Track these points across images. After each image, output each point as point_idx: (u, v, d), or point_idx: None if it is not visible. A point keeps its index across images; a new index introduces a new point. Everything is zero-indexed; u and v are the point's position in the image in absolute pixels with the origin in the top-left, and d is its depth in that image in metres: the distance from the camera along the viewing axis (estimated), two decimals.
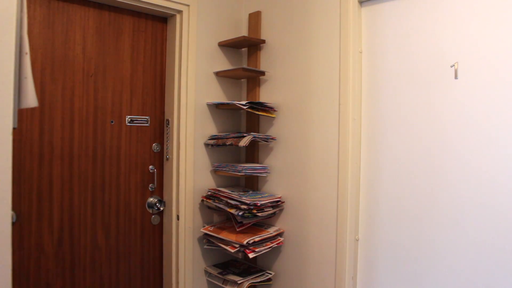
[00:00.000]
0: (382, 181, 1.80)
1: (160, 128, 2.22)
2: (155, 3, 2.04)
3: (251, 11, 2.35)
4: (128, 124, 2.10)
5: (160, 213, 2.23)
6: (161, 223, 2.24)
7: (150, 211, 2.19)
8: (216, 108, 2.30)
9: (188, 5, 2.15)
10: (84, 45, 1.95)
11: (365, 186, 1.86)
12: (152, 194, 2.20)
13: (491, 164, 1.47)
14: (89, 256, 1.99)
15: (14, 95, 1.49)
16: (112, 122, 2.04)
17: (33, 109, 1.80)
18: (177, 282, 2.16)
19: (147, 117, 2.16)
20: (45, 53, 1.84)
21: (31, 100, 1.57)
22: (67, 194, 1.92)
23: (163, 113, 2.23)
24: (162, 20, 2.22)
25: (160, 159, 2.22)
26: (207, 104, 2.25)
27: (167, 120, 2.22)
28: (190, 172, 2.17)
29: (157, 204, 2.19)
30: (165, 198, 2.23)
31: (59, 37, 1.87)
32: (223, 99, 2.32)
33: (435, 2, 1.63)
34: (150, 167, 2.19)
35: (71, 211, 1.93)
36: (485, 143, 1.49)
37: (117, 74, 2.06)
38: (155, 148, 2.19)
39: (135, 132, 2.12)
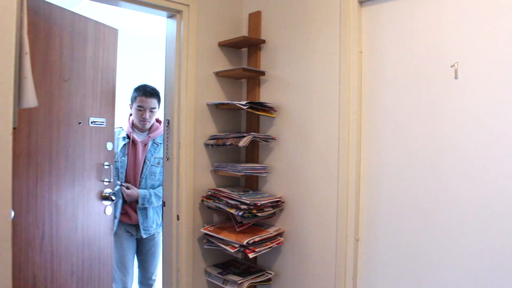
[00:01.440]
0: (382, 181, 1.80)
1: (112, 129, 2.40)
2: (155, 3, 2.04)
3: (251, 11, 2.35)
4: (91, 125, 2.26)
5: (112, 205, 2.41)
6: (113, 214, 2.43)
7: (105, 203, 2.35)
8: (216, 108, 2.30)
9: (188, 5, 2.15)
10: (61, 51, 2.06)
11: (365, 186, 1.86)
12: (106, 187, 2.36)
13: (492, 164, 1.47)
14: (63, 246, 2.11)
15: (14, 95, 1.49)
16: (80, 123, 2.19)
17: (23, 110, 1.83)
18: (177, 282, 2.16)
19: (104, 119, 2.34)
20: (32, 58, 1.89)
21: (31, 100, 1.57)
22: (48, 190, 2.02)
23: (113, 115, 2.41)
24: (113, 30, 2.38)
25: (112, 156, 2.42)
26: (207, 104, 2.25)
27: (167, 120, 2.22)
28: (190, 172, 2.17)
29: (111, 196, 2.36)
30: (165, 198, 2.24)
31: (42, 43, 1.94)
32: (223, 99, 2.32)
33: (435, 2, 1.62)
34: (106, 163, 2.35)
35: (50, 206, 2.03)
36: (485, 143, 1.49)
37: (83, 79, 2.20)
38: (108, 146, 2.37)
39: (95, 132, 2.29)
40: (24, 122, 1.87)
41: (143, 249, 2.73)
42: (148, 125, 2.63)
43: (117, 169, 2.59)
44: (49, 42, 1.98)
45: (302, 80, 2.08)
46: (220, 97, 2.32)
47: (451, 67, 1.57)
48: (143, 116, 2.57)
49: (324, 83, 1.97)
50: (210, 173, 2.28)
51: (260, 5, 2.32)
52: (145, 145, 2.64)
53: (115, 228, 2.57)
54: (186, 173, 2.15)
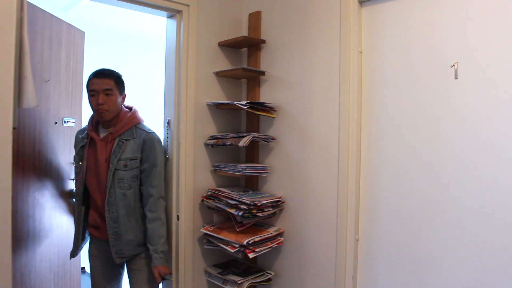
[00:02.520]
0: (382, 181, 1.80)
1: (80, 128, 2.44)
2: (155, 3, 2.04)
3: (251, 11, 2.35)
4: (64, 124, 2.34)
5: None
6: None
7: (73, 201, 2.35)
8: (216, 108, 2.30)
9: (188, 5, 2.15)
10: (42, 53, 2.10)
11: (365, 186, 1.86)
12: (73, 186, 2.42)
13: (491, 164, 1.47)
14: (43, 244, 2.18)
15: (14, 95, 1.49)
16: (56, 123, 2.25)
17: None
18: (177, 282, 2.16)
19: (74, 119, 2.43)
20: None
21: (31, 100, 1.57)
22: (32, 189, 2.07)
23: (81, 115, 2.49)
24: (81, 33, 2.47)
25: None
26: (207, 104, 2.25)
27: (168, 120, 2.22)
28: (190, 172, 2.17)
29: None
30: (165, 198, 2.23)
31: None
32: (223, 99, 2.32)
33: (435, 2, 1.62)
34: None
35: (33, 205, 2.08)
36: (485, 143, 1.49)
37: (58, 80, 2.26)
38: None
39: (67, 132, 2.37)
40: None
41: (131, 266, 2.08)
42: (107, 115, 1.95)
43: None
44: (33, 44, 2.01)
45: (302, 80, 2.08)
46: (220, 97, 2.31)
47: (451, 67, 1.57)
48: (97, 102, 1.92)
49: (324, 83, 1.97)
50: (210, 173, 2.28)
51: (260, 5, 2.31)
52: (107, 143, 1.98)
53: (88, 251, 2.13)
54: (186, 173, 2.15)
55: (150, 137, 2.02)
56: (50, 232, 2.24)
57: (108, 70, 2.01)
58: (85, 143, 2.03)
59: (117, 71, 2.04)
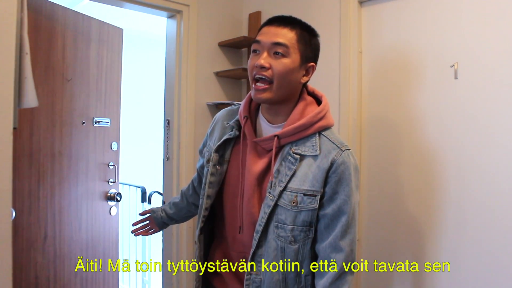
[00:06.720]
0: (382, 181, 1.80)
1: (117, 129, 2.38)
2: (155, 3, 2.05)
3: (251, 11, 2.35)
4: (95, 125, 2.24)
5: (117, 205, 2.38)
6: (117, 214, 2.39)
7: (109, 203, 2.32)
8: (216, 108, 2.30)
9: (188, 5, 2.15)
10: (64, 51, 2.05)
11: (365, 186, 1.86)
12: (111, 188, 2.34)
13: (491, 164, 1.47)
14: (66, 247, 2.10)
15: (14, 95, 1.49)
16: (83, 123, 2.16)
17: (24, 110, 1.83)
18: (178, 282, 2.16)
19: (108, 119, 2.31)
20: (34, 57, 1.89)
21: (31, 100, 1.58)
22: (51, 190, 2.01)
23: (119, 115, 2.38)
24: (118, 30, 2.35)
25: (117, 156, 2.39)
26: (207, 104, 2.25)
27: (167, 120, 2.22)
28: (191, 173, 2.17)
29: (117, 196, 2.32)
30: (165, 198, 2.24)
31: (44, 43, 1.93)
32: (223, 99, 2.33)
33: (435, 2, 1.63)
34: (111, 163, 2.32)
35: (52, 206, 2.02)
36: (485, 143, 1.49)
37: (86, 79, 2.18)
38: (113, 146, 2.35)
39: (99, 132, 2.27)
40: (26, 122, 1.86)
41: None
42: (266, 92, 1.11)
43: (205, 195, 1.21)
44: (52, 41, 1.97)
45: None
46: (220, 97, 2.32)
47: (451, 67, 1.57)
48: (255, 65, 1.11)
49: (324, 83, 1.97)
50: None
51: (260, 5, 2.32)
52: (266, 153, 1.15)
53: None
54: (186, 173, 2.16)
55: (345, 159, 1.11)
56: (76, 235, 2.13)
57: (293, 18, 1.25)
58: (233, 136, 1.20)
59: (311, 25, 1.24)
